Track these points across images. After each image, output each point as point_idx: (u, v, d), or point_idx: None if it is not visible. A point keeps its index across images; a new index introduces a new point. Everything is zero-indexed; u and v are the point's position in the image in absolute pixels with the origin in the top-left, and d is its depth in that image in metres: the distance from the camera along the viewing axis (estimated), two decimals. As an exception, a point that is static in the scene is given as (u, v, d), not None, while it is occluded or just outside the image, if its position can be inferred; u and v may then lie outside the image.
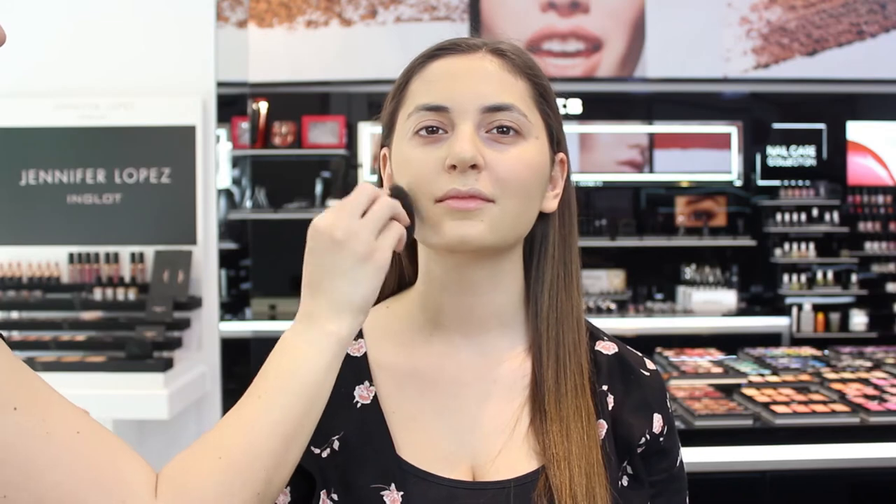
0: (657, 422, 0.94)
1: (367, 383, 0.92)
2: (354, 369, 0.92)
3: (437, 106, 0.87)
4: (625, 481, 0.92)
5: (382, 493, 0.87)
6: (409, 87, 0.91)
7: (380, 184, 0.97)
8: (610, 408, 0.93)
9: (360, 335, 0.95)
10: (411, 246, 0.96)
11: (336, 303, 0.79)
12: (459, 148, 0.84)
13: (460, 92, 0.87)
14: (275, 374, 0.77)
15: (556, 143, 0.93)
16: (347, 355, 0.93)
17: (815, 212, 5.86)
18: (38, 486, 0.66)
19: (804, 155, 5.98)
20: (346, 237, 0.79)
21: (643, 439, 0.93)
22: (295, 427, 0.76)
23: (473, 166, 0.84)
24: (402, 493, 0.87)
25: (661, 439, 0.94)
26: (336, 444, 0.88)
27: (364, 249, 0.80)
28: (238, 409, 0.76)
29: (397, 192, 0.85)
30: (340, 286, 0.79)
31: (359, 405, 0.91)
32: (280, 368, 0.77)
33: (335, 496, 0.87)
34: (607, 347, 0.98)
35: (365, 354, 0.94)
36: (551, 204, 0.93)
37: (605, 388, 0.94)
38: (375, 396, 0.91)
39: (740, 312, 5.74)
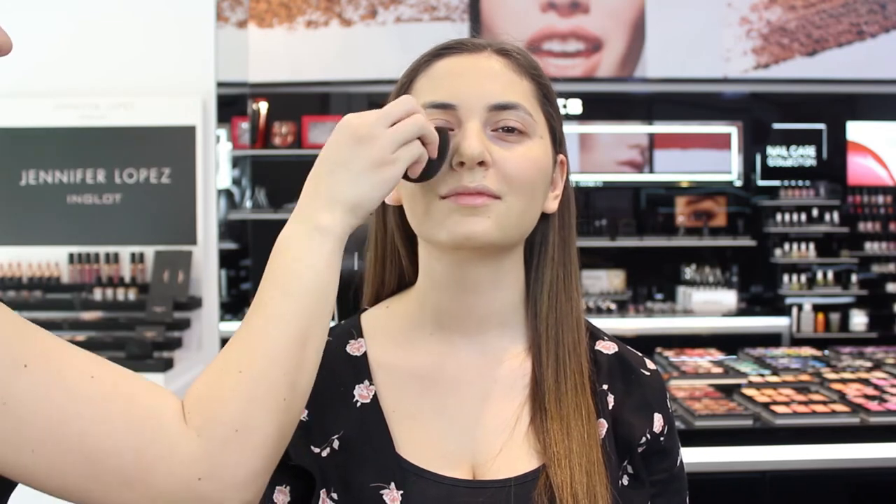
0: (658, 421, 0.94)
1: (366, 382, 0.92)
2: (354, 368, 0.92)
3: (443, 104, 0.87)
4: (625, 481, 0.92)
5: (382, 492, 0.87)
6: (413, 85, 0.92)
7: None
8: (610, 407, 0.93)
9: (359, 334, 0.95)
10: (412, 245, 0.96)
11: (332, 197, 0.78)
12: (468, 145, 0.84)
13: (467, 90, 0.87)
14: (276, 279, 0.76)
15: (558, 143, 0.94)
16: (347, 354, 0.93)
17: (815, 212, 5.87)
18: (64, 437, 0.65)
19: (804, 155, 5.98)
20: (366, 138, 0.79)
21: (644, 439, 0.93)
22: (307, 328, 0.75)
23: (481, 163, 0.84)
24: (401, 492, 0.86)
25: (662, 439, 0.94)
26: (336, 444, 0.88)
27: (378, 156, 0.79)
28: (247, 321, 0.75)
29: (438, 126, 0.85)
30: (342, 181, 0.79)
31: (358, 404, 0.90)
32: (280, 273, 0.76)
33: (335, 495, 0.87)
34: (607, 347, 0.98)
35: (364, 354, 0.94)
36: (552, 205, 0.93)
37: (605, 387, 0.94)
38: (375, 396, 0.91)
39: (740, 313, 5.74)
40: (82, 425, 0.66)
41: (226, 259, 4.73)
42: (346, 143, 0.79)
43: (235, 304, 5.31)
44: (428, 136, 0.82)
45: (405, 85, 0.93)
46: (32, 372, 0.65)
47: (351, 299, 1.11)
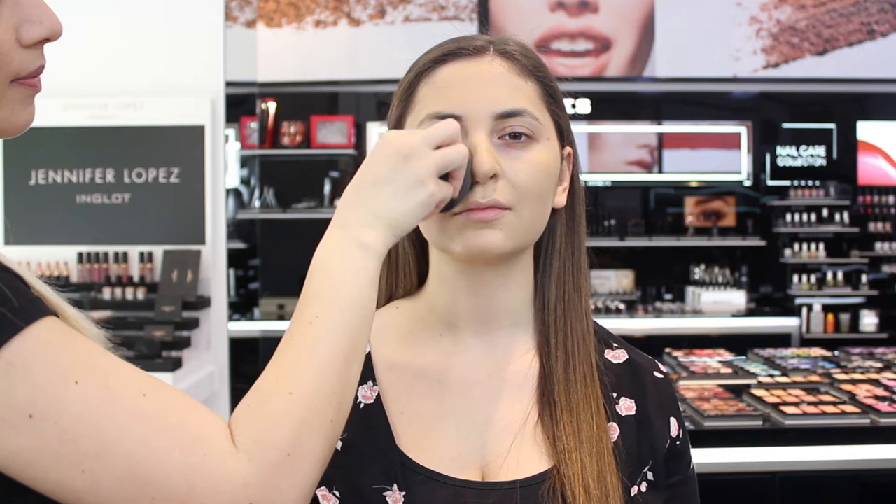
0: (674, 425, 0.95)
1: (370, 383, 0.92)
2: None
3: (449, 115, 0.86)
4: (643, 487, 0.91)
5: (385, 493, 0.87)
6: (417, 92, 0.91)
7: None
8: (626, 413, 0.93)
9: None
10: (422, 249, 0.97)
11: (374, 213, 0.78)
12: (480, 161, 0.84)
13: (472, 100, 0.87)
14: (320, 296, 0.75)
15: (564, 137, 0.94)
16: None
17: (825, 212, 5.84)
18: (114, 456, 0.64)
19: (814, 155, 5.95)
20: (412, 157, 0.79)
21: (666, 443, 0.93)
22: (353, 346, 0.74)
23: (492, 176, 0.84)
24: (404, 493, 0.86)
25: (678, 443, 0.95)
26: (339, 445, 0.88)
27: (423, 175, 0.79)
28: (291, 339, 0.74)
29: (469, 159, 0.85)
30: (383, 196, 0.78)
31: (362, 405, 0.90)
32: (324, 290, 0.75)
33: (337, 493, 0.87)
34: (617, 356, 0.97)
35: (369, 354, 0.93)
36: (561, 199, 0.94)
37: (619, 394, 0.94)
38: (378, 396, 0.91)
39: (750, 313, 5.71)
40: (132, 445, 0.65)
41: (234, 259, 4.73)
42: (391, 159, 0.79)
43: (244, 303, 5.32)
44: (459, 172, 0.82)
45: (408, 90, 0.92)
46: (83, 388, 0.64)
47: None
